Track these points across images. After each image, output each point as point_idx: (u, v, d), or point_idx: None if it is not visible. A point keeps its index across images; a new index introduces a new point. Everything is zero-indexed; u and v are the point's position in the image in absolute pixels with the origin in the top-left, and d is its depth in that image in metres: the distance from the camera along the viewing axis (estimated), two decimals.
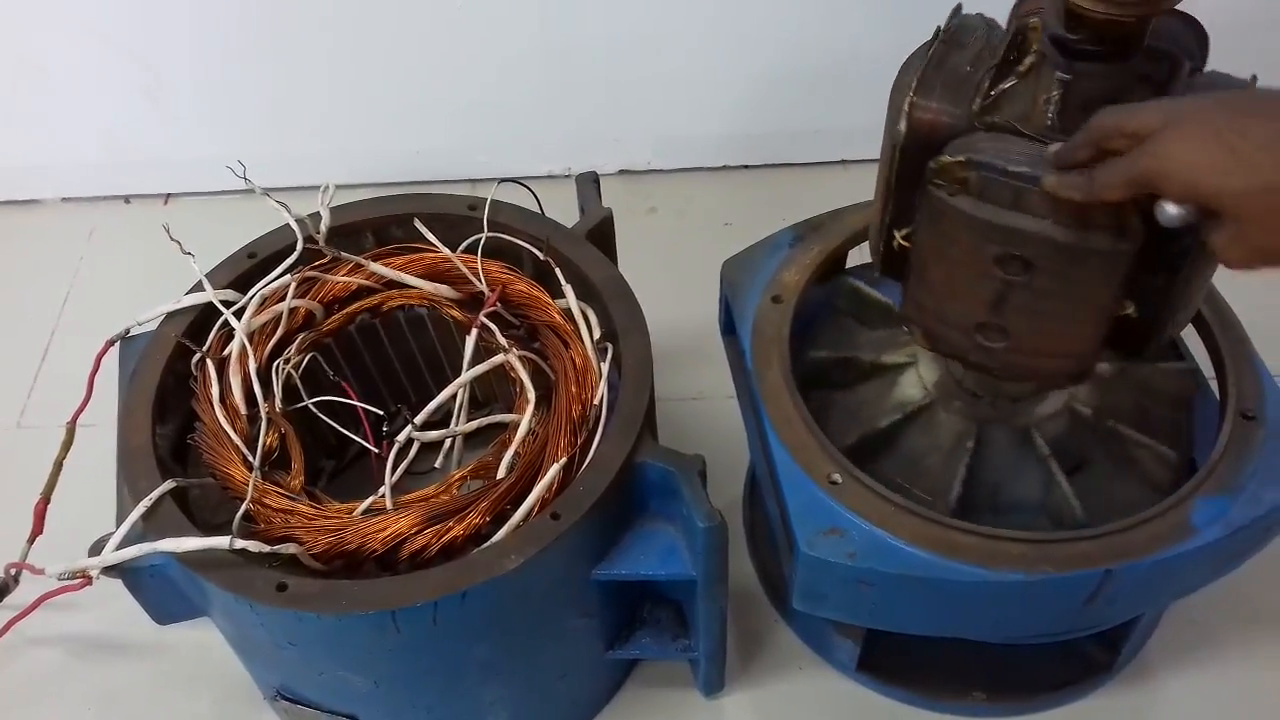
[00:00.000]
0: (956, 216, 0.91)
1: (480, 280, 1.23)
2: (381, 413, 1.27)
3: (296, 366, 1.20)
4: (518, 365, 1.18)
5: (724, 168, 1.93)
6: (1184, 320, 1.01)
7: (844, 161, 1.89)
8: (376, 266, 1.24)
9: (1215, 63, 0.91)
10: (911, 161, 0.94)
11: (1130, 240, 0.86)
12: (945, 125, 0.92)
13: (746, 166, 1.92)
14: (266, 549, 0.98)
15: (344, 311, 1.26)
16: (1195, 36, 0.90)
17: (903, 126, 0.93)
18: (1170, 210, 0.78)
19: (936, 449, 1.13)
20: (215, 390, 1.14)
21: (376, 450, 1.21)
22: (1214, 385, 1.16)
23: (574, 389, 1.14)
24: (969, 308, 0.98)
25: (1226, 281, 1.10)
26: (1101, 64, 0.86)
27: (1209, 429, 1.12)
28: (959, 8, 0.99)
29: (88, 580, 1.01)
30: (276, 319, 1.20)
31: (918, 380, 1.16)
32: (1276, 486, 1.02)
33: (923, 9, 1.01)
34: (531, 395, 1.15)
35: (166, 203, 1.92)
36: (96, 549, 1.01)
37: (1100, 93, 0.87)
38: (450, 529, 1.03)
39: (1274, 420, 1.07)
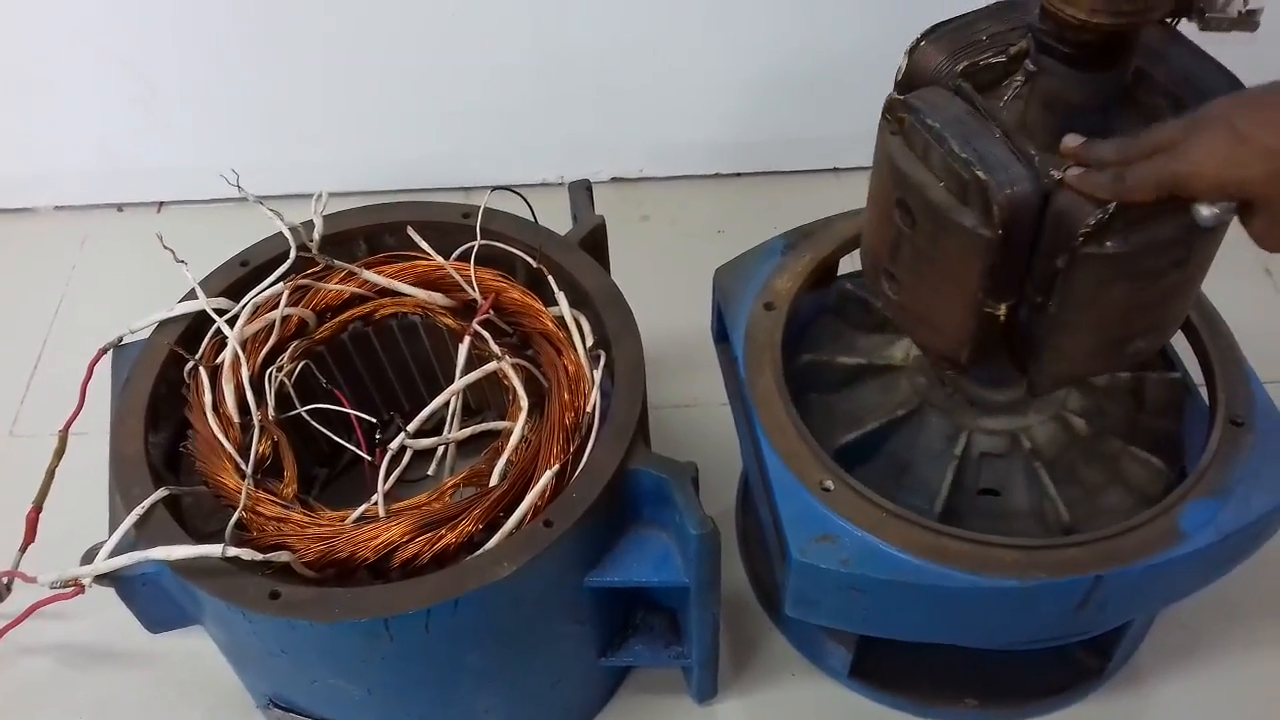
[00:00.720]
0: (883, 152, 0.95)
1: (473, 288, 1.23)
2: (374, 420, 1.27)
3: (289, 374, 1.20)
4: (510, 373, 1.18)
5: (716, 175, 1.93)
6: (1066, 366, 0.99)
7: (835, 169, 1.90)
8: (369, 274, 1.24)
9: None
10: None
11: (989, 229, 0.87)
12: (929, 72, 0.95)
13: (739, 174, 1.93)
14: (259, 557, 0.98)
15: (337, 319, 1.26)
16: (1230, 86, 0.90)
17: (903, 63, 0.97)
18: (1204, 212, 0.79)
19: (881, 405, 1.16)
20: (208, 398, 1.14)
21: (369, 458, 1.21)
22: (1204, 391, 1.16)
23: (567, 396, 1.14)
24: (880, 248, 1.01)
25: (1215, 289, 1.11)
26: (1066, 66, 0.87)
27: (1198, 434, 1.12)
28: None
29: (80, 589, 1.01)
30: (269, 327, 1.21)
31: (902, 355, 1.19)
32: (1265, 492, 1.03)
33: (913, 17, 1.02)
34: (524, 403, 1.16)
35: (160, 210, 1.92)
36: (89, 557, 1.01)
37: (1059, 94, 0.89)
38: (443, 536, 1.03)
39: (1263, 427, 1.07)
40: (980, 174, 0.86)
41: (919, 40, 0.97)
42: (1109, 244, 0.86)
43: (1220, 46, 0.90)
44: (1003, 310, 0.94)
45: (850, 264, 1.26)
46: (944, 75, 0.95)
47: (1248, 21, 0.83)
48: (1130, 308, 0.93)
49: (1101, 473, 1.11)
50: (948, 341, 1.00)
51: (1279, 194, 0.74)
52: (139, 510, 1.02)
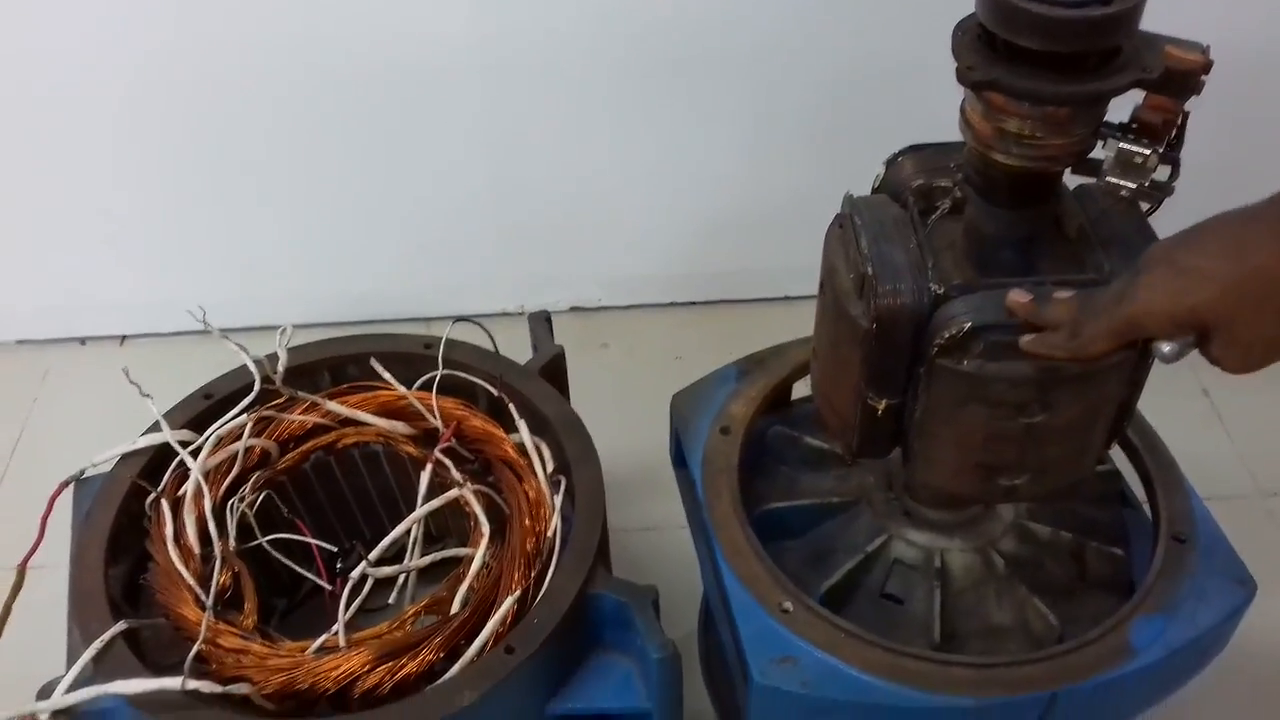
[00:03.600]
0: (824, 246, 1.01)
1: (435, 417, 1.26)
2: (335, 549, 1.27)
3: (251, 505, 1.21)
4: (472, 499, 1.19)
5: (672, 304, 1.99)
6: (935, 477, 1.02)
7: (786, 298, 1.96)
8: (332, 405, 1.26)
9: None
10: None
11: (866, 321, 0.92)
12: (897, 182, 1.01)
13: (694, 303, 1.99)
14: (219, 690, 0.98)
15: (299, 449, 1.27)
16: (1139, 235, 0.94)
17: (881, 171, 1.03)
18: (1165, 348, 0.81)
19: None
20: (169, 530, 1.14)
21: (330, 587, 1.21)
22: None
23: (528, 522, 1.15)
24: (815, 328, 1.08)
25: (1155, 409, 1.15)
26: (981, 199, 0.93)
27: (1142, 549, 1.15)
28: None
29: None
30: (232, 458, 1.22)
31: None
32: (1210, 608, 1.05)
33: (854, 160, 1.09)
34: (486, 529, 1.17)
35: (122, 344, 1.94)
36: (46, 692, 1.00)
37: (974, 223, 0.95)
38: (403, 666, 1.03)
39: (1205, 543, 1.10)
40: (870, 271, 0.92)
41: (897, 155, 1.03)
42: (965, 363, 0.91)
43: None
44: (881, 405, 0.98)
45: (803, 389, 1.30)
46: (905, 188, 1.01)
47: (1150, 195, 0.86)
48: (992, 436, 0.95)
49: (1003, 614, 1.11)
50: (841, 425, 1.05)
51: (1227, 315, 0.77)
52: (97, 645, 1.01)
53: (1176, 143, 0.86)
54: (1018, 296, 0.88)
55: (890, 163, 1.03)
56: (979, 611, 1.12)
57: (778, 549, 1.15)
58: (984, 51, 0.84)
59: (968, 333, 0.89)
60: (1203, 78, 0.83)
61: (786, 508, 1.19)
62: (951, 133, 0.95)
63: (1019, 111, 0.84)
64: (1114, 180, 0.86)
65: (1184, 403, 1.75)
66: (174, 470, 1.19)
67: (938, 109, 1.00)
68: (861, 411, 1.00)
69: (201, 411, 1.24)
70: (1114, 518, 1.20)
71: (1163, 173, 0.87)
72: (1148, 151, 0.84)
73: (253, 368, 1.24)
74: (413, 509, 1.23)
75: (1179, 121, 0.85)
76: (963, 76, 0.84)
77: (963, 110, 0.90)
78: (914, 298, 0.91)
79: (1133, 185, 0.86)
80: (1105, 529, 1.18)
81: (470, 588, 1.12)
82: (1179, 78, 0.83)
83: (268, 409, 1.25)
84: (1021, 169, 0.88)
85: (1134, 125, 0.86)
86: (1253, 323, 0.77)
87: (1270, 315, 0.76)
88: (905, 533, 1.14)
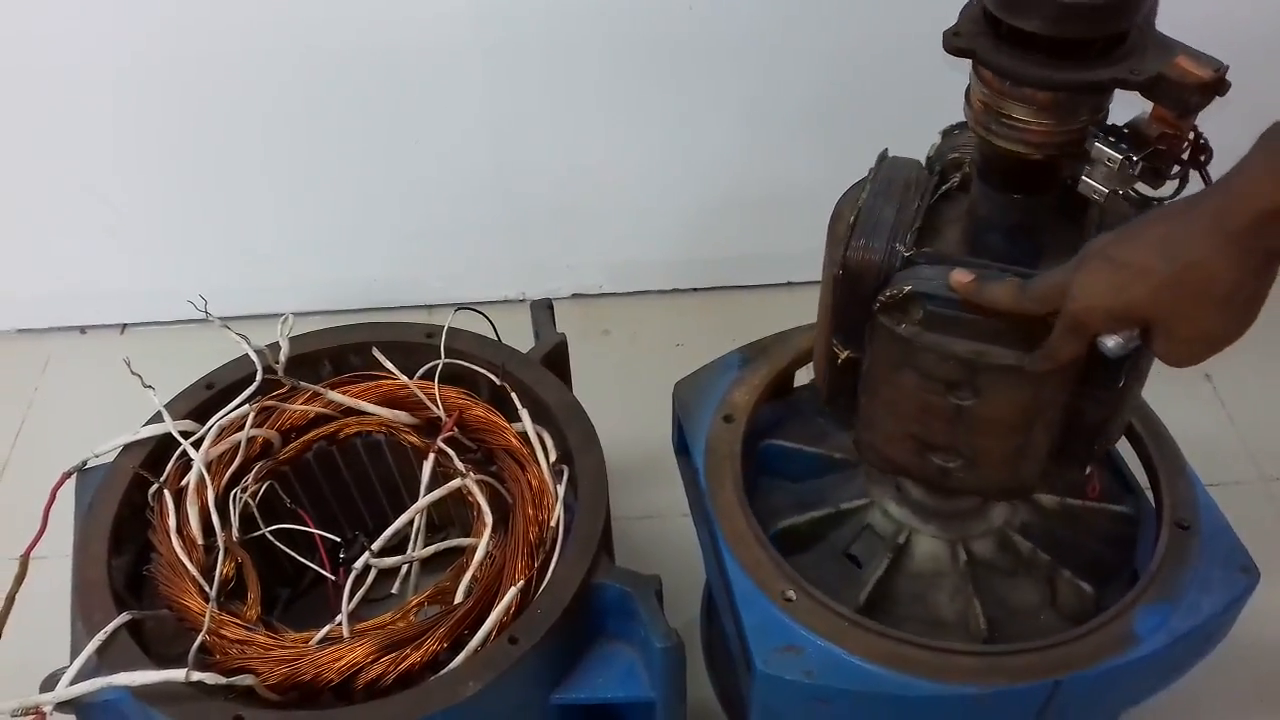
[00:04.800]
0: (842, 195, 1.03)
1: (437, 406, 1.25)
2: (338, 539, 1.27)
3: (254, 495, 1.21)
4: (475, 489, 1.19)
5: (674, 291, 1.98)
6: (876, 440, 1.04)
7: (789, 284, 1.95)
8: (334, 394, 1.26)
9: None
10: None
11: (837, 268, 0.95)
12: (942, 152, 1.03)
13: (696, 289, 1.98)
14: (223, 681, 0.98)
15: (302, 439, 1.27)
16: None
17: (936, 140, 1.04)
18: (1109, 343, 0.82)
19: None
20: (172, 521, 1.14)
21: (333, 577, 1.21)
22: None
23: (531, 511, 1.15)
24: None
25: (1157, 395, 1.15)
26: (980, 180, 0.94)
27: (1147, 537, 1.15)
28: None
29: (41, 716, 1.00)
30: (234, 448, 1.21)
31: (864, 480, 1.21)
32: (1214, 595, 1.05)
33: (857, 145, 1.08)
34: (489, 519, 1.17)
35: (123, 333, 1.94)
36: (50, 684, 1.00)
37: (973, 202, 0.96)
38: (407, 656, 1.03)
39: (1208, 530, 1.10)
40: (852, 221, 0.94)
41: (954, 126, 1.03)
42: (903, 326, 0.93)
43: None
44: (844, 354, 1.01)
45: (805, 375, 1.29)
46: (942, 158, 1.02)
47: (1118, 200, 0.85)
48: (924, 409, 0.97)
49: (950, 608, 1.12)
50: (819, 370, 1.09)
51: (1165, 310, 0.77)
52: (101, 636, 1.01)
53: (1186, 159, 0.84)
54: (960, 275, 0.89)
55: (946, 133, 1.03)
56: (927, 599, 1.13)
57: (772, 484, 1.19)
58: (980, 24, 0.85)
59: (907, 296, 0.91)
60: (1216, 96, 0.80)
61: (793, 449, 1.22)
62: (957, 118, 0.95)
63: (1002, 89, 0.85)
64: (1088, 180, 0.85)
65: (1186, 388, 1.75)
66: (176, 460, 1.19)
67: (943, 92, 1.00)
68: (830, 358, 1.02)
69: (203, 401, 1.24)
70: (1112, 557, 1.17)
71: (1169, 187, 0.86)
72: (1120, 157, 0.82)
73: (254, 358, 1.23)
74: (415, 499, 1.23)
75: (1185, 137, 0.83)
76: (946, 41, 0.85)
77: (967, 88, 0.91)
78: (883, 256, 0.94)
79: (1105, 190, 0.85)
80: (1089, 563, 1.15)
81: (473, 578, 1.12)
82: (1173, 89, 0.80)
83: (270, 399, 1.25)
84: (1003, 150, 0.88)
85: (1124, 130, 0.84)
86: (1190, 317, 0.77)
87: (1208, 309, 0.76)
88: (885, 503, 1.16)
